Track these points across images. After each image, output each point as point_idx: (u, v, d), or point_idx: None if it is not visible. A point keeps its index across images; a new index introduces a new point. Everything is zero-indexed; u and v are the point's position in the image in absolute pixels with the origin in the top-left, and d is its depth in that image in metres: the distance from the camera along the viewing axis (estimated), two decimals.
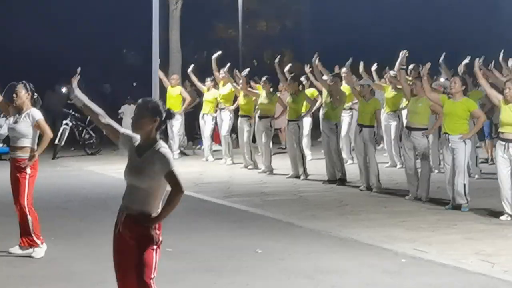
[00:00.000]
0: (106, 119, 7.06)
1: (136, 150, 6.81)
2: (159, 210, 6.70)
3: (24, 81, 11.28)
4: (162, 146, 6.74)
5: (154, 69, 23.35)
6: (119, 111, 26.43)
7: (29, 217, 10.89)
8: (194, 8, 33.42)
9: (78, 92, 7.13)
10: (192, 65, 23.80)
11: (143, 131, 6.76)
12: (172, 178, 6.59)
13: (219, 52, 22.95)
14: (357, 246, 11.43)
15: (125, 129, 7.02)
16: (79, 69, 7.51)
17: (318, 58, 19.06)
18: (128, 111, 25.38)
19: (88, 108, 7.14)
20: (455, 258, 10.46)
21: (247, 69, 21.30)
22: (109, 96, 37.75)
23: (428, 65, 15.22)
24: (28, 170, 10.94)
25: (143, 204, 6.68)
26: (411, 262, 10.39)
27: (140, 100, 6.93)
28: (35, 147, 11.07)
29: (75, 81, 7.30)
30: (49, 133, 11.09)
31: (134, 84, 45.23)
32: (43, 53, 41.05)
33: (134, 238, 6.69)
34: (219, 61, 22.84)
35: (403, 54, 16.09)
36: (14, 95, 11.15)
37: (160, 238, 6.69)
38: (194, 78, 23.50)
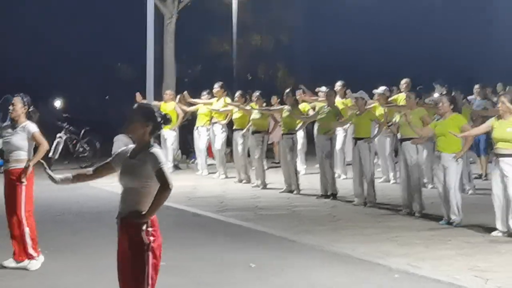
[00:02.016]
0: (93, 171, 7.21)
1: (129, 156, 6.89)
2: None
3: (21, 94, 11.26)
4: (154, 147, 6.83)
5: (148, 83, 23.36)
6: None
7: (26, 229, 10.87)
8: (188, 23, 33.48)
9: (57, 178, 7.30)
10: (185, 92, 23.70)
11: (135, 135, 6.87)
12: (160, 175, 6.66)
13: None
14: (351, 261, 11.41)
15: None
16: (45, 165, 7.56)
17: (302, 90, 19.65)
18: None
19: (77, 180, 7.35)
20: (448, 274, 10.44)
21: (258, 92, 21.24)
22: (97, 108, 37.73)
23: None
24: (24, 181, 10.91)
25: (137, 204, 6.71)
26: (404, 277, 10.37)
27: (135, 105, 7.06)
28: (31, 158, 11.06)
29: (48, 171, 7.35)
30: (45, 144, 11.10)
31: (107, 97, 45.26)
32: (37, 65, 41.10)
33: (127, 240, 6.72)
34: (213, 76, 22.89)
35: None
36: (11, 107, 11.14)
37: (150, 241, 6.68)
38: (195, 101, 23.37)
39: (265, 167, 20.57)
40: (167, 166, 6.77)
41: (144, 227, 6.68)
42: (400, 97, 19.00)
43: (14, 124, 11.16)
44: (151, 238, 6.69)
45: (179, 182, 20.30)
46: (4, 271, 10.82)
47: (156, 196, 6.66)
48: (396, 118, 15.85)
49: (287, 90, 19.71)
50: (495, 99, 18.92)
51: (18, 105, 11.14)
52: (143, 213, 6.67)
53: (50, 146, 23.39)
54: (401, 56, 40.77)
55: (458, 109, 14.63)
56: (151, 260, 6.69)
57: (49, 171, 7.27)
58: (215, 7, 38.69)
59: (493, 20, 40.36)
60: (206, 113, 22.75)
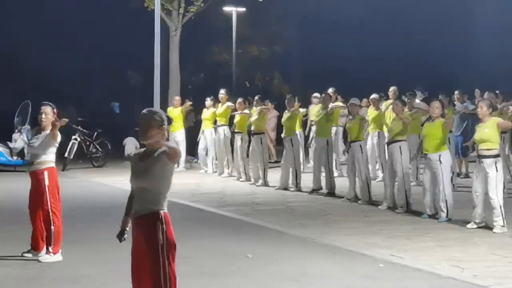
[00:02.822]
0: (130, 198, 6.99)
1: (139, 159, 6.73)
2: (165, 208, 6.65)
3: (49, 103, 11.20)
4: (164, 145, 6.63)
5: (155, 89, 23.34)
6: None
7: (52, 227, 10.82)
8: (191, 34, 33.45)
9: (126, 230, 6.94)
10: (187, 101, 23.76)
11: (152, 140, 6.63)
12: (170, 152, 6.52)
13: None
14: (339, 252, 11.43)
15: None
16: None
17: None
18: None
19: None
20: (428, 264, 10.46)
21: (258, 96, 21.20)
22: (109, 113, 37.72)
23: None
24: (47, 181, 10.88)
25: (150, 203, 6.61)
26: (388, 267, 10.39)
27: (145, 111, 6.74)
28: (54, 160, 11.03)
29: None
30: (57, 136, 10.94)
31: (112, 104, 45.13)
32: (54, 73, 41.06)
33: (143, 240, 6.57)
34: (214, 83, 22.89)
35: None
36: (43, 116, 11.03)
37: (165, 239, 6.56)
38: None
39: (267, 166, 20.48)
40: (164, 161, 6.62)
41: (159, 226, 6.56)
42: (388, 103, 19.02)
43: (41, 131, 11.10)
44: (165, 238, 6.56)
45: (184, 180, 20.34)
46: (23, 261, 10.84)
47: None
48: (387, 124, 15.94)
49: (289, 96, 19.80)
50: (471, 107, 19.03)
51: (50, 114, 11.06)
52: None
53: (66, 147, 23.61)
54: (388, 64, 40.78)
55: (444, 113, 14.66)
56: (166, 256, 6.54)
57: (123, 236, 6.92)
58: (216, 20, 38.70)
59: (473, 33, 40.31)
60: (209, 117, 22.81)
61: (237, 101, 21.34)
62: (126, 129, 26.89)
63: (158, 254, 6.53)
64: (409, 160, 15.87)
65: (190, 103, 24.16)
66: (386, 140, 16.20)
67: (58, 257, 10.88)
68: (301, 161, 21.97)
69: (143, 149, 6.81)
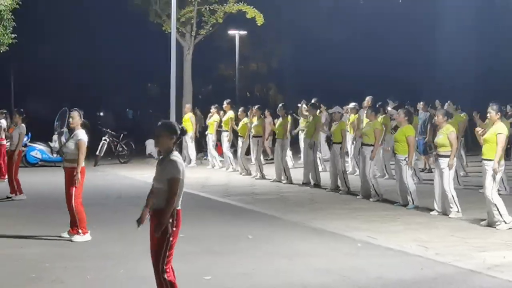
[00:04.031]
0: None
1: (159, 163, 6.82)
2: (179, 205, 6.67)
3: (77, 108, 11.23)
4: (174, 155, 6.71)
5: (171, 98, 23.32)
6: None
7: (76, 216, 10.87)
8: (202, 53, 33.43)
9: (144, 216, 6.90)
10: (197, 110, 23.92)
11: (163, 147, 6.75)
12: (170, 184, 6.57)
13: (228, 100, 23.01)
14: (324, 234, 11.42)
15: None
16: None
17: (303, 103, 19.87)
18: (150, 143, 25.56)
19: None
20: (398, 244, 10.46)
21: (257, 106, 21.21)
22: (132, 119, 37.69)
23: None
24: (77, 179, 10.89)
25: (163, 201, 6.64)
26: (365, 246, 10.39)
27: (160, 123, 6.88)
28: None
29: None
30: (82, 155, 10.86)
31: (128, 110, 45.06)
32: (86, 85, 41.15)
33: (157, 227, 6.64)
34: (220, 93, 22.92)
35: None
36: (71, 119, 11.09)
37: (173, 230, 6.61)
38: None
39: (263, 162, 20.55)
40: (180, 177, 6.62)
41: (170, 220, 6.61)
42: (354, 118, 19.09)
43: (71, 132, 11.13)
44: (173, 229, 6.62)
45: (195, 174, 20.34)
46: (61, 241, 10.85)
47: (165, 203, 6.57)
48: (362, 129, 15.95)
49: (280, 105, 19.81)
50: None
51: (76, 118, 11.11)
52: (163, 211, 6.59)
53: (97, 147, 23.65)
54: (365, 78, 40.72)
55: (411, 119, 14.65)
56: (169, 243, 6.61)
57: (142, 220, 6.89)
58: (222, 42, 38.73)
59: (436, 58, 40.29)
60: (213, 123, 22.90)
61: (239, 110, 21.45)
62: (146, 132, 26.96)
63: (163, 242, 6.61)
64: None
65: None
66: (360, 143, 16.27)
67: (87, 237, 10.91)
68: (291, 158, 22.01)
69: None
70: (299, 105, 20.89)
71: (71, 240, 10.81)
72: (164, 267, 6.63)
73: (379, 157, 19.25)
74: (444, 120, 13.16)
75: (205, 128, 24.69)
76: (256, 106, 20.68)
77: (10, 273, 8.83)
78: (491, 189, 11.68)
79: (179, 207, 6.71)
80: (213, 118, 22.99)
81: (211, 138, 23.04)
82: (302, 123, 19.64)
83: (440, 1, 40.26)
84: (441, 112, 13.40)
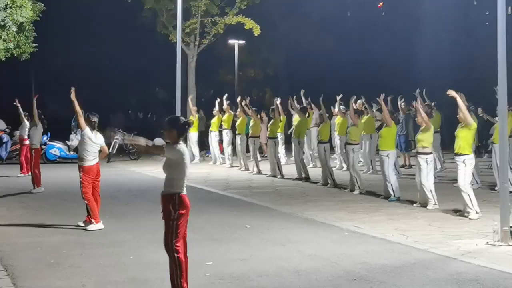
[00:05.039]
0: (152, 146, 7.02)
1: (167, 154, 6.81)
2: (184, 190, 6.72)
3: (93, 112, 11.22)
4: (180, 144, 6.75)
5: (177, 101, 23.29)
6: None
7: (87, 205, 10.89)
8: (204, 60, 33.34)
9: (126, 137, 7.13)
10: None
11: (169, 139, 6.78)
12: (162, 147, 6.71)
13: (226, 95, 23.12)
14: (315, 223, 11.43)
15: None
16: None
17: (292, 98, 19.86)
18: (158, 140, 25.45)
19: (136, 145, 7.13)
20: (381, 232, 10.47)
21: (254, 108, 21.23)
22: (142, 120, 37.63)
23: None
24: (82, 171, 10.92)
25: (170, 186, 6.71)
26: (351, 235, 10.39)
27: (166, 118, 6.94)
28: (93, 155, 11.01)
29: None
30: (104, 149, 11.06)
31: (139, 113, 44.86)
32: (100, 91, 41.13)
33: (163, 209, 6.73)
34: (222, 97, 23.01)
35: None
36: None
37: (175, 212, 6.64)
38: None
39: (259, 159, 20.55)
40: (172, 157, 6.66)
41: (171, 203, 6.65)
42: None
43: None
44: (176, 212, 6.65)
45: (198, 170, 20.32)
46: (78, 230, 10.84)
47: (154, 145, 6.84)
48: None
49: (272, 107, 19.83)
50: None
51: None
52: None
53: (110, 145, 23.55)
54: (351, 83, 40.59)
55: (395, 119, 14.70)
56: (174, 224, 6.65)
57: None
58: (223, 50, 38.68)
59: (415, 63, 40.21)
60: (216, 122, 22.87)
61: (237, 111, 21.47)
62: (154, 131, 26.94)
63: (169, 221, 6.68)
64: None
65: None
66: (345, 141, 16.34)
67: (100, 225, 10.90)
68: (284, 155, 22.00)
69: None
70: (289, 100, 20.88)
71: (85, 229, 10.80)
72: (174, 246, 6.64)
73: (365, 153, 19.31)
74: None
75: (207, 126, 24.74)
76: (254, 108, 20.70)
77: (31, 259, 8.82)
78: (463, 180, 11.70)
79: (183, 192, 6.74)
80: (215, 118, 23.02)
81: (214, 135, 23.07)
82: (295, 121, 19.58)
83: (418, 14, 40.34)
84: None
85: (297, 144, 18.22)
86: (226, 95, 23.24)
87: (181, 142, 6.78)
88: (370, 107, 18.90)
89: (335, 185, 16.38)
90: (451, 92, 11.72)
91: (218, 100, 22.85)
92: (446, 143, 20.23)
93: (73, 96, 11.28)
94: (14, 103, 18.16)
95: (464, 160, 11.71)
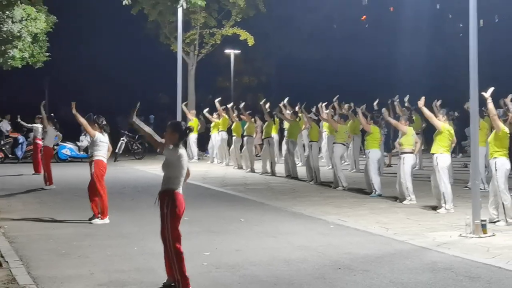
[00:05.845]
0: (153, 136, 6.86)
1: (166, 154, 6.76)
2: (180, 188, 6.65)
3: (99, 116, 11.21)
4: (181, 148, 6.70)
5: (178, 107, 23.29)
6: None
7: (98, 201, 10.88)
8: (203, 68, 33.33)
9: (135, 119, 7.03)
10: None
11: (170, 142, 6.67)
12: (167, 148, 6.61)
13: (219, 98, 23.18)
14: (303, 217, 11.44)
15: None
16: (138, 104, 7.35)
17: (283, 103, 19.86)
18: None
19: (140, 128, 6.94)
20: (364, 225, 10.49)
21: (249, 111, 21.24)
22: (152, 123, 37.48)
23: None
24: (93, 169, 10.88)
25: (168, 184, 6.66)
26: (337, 227, 10.40)
27: (169, 123, 6.89)
28: (102, 155, 10.99)
29: (133, 112, 7.07)
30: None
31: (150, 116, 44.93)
32: (106, 97, 41.03)
33: (160, 206, 6.69)
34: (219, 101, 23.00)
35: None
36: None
37: (168, 209, 6.58)
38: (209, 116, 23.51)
39: (254, 157, 20.57)
40: (178, 158, 6.60)
41: (166, 201, 6.60)
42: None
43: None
44: (169, 208, 6.57)
45: (197, 168, 20.29)
46: (86, 224, 10.83)
47: (153, 135, 6.71)
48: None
49: (265, 112, 19.88)
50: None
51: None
52: None
53: (117, 145, 23.50)
54: (338, 90, 40.54)
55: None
56: (170, 218, 6.58)
57: (135, 118, 6.93)
58: (220, 59, 38.67)
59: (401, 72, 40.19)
60: (215, 125, 22.90)
61: (234, 114, 21.51)
62: (158, 134, 26.81)
63: (163, 216, 6.63)
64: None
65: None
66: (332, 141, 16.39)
67: (105, 221, 10.87)
68: (276, 155, 22.03)
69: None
70: (280, 104, 20.81)
71: (90, 223, 10.79)
72: (173, 239, 6.56)
73: (350, 153, 19.35)
74: (406, 124, 13.19)
75: (206, 131, 24.75)
76: (248, 112, 20.74)
77: (44, 249, 8.82)
78: (439, 178, 11.76)
79: (178, 190, 6.66)
80: (214, 122, 23.04)
81: (214, 137, 23.11)
82: (286, 125, 19.60)
83: (398, 26, 40.53)
84: (403, 118, 13.46)
85: (289, 144, 18.19)
86: (219, 98, 23.18)
87: (181, 145, 6.76)
88: (355, 114, 18.94)
89: (318, 181, 16.39)
90: (419, 103, 12.01)
91: (217, 105, 22.80)
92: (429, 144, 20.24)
93: (74, 110, 11.27)
94: (42, 106, 17.69)
95: (437, 157, 11.81)
